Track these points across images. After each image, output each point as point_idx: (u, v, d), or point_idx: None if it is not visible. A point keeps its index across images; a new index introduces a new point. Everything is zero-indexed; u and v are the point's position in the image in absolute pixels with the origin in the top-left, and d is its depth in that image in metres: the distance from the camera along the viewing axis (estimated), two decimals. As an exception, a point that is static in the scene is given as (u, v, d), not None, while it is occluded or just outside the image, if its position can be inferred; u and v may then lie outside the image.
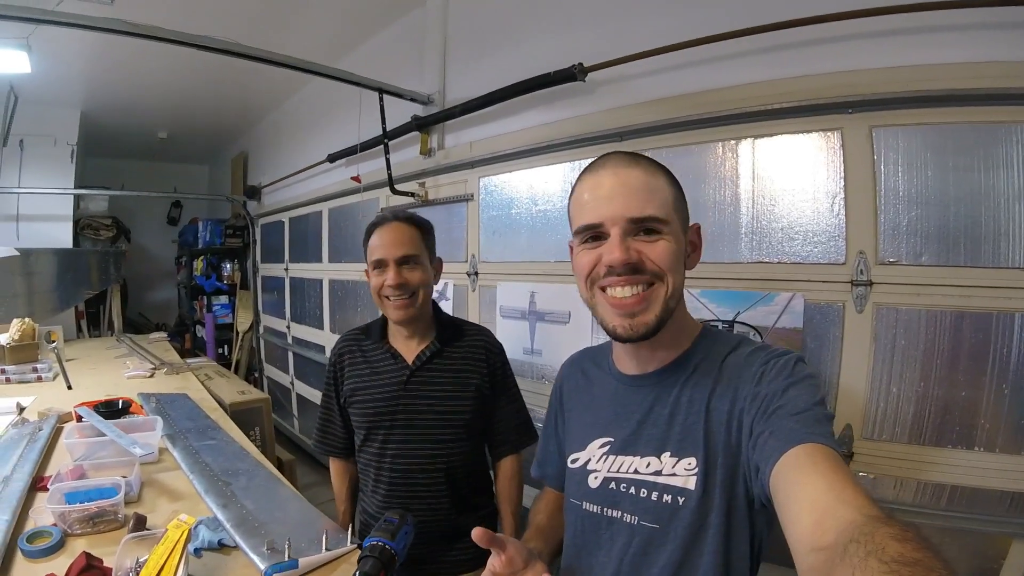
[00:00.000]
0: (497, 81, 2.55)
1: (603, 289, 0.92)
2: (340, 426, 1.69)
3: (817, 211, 1.69)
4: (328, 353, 4.23)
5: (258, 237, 5.92)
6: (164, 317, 7.56)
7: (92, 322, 5.48)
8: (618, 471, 0.96)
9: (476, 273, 2.84)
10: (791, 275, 1.74)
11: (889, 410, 1.58)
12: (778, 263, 1.77)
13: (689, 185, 1.89)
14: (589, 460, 1.01)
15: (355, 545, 1.29)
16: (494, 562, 0.85)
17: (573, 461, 1.05)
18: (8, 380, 2.82)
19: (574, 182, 0.99)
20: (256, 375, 6.02)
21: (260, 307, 5.92)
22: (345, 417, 1.67)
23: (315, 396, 4.58)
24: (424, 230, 1.60)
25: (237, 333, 6.21)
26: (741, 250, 1.85)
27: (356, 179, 3.53)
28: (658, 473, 0.90)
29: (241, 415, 2.81)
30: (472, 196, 2.86)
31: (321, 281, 4.44)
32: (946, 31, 1.46)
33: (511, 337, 2.47)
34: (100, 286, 5.23)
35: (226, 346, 6.31)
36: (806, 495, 0.67)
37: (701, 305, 1.91)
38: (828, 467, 0.69)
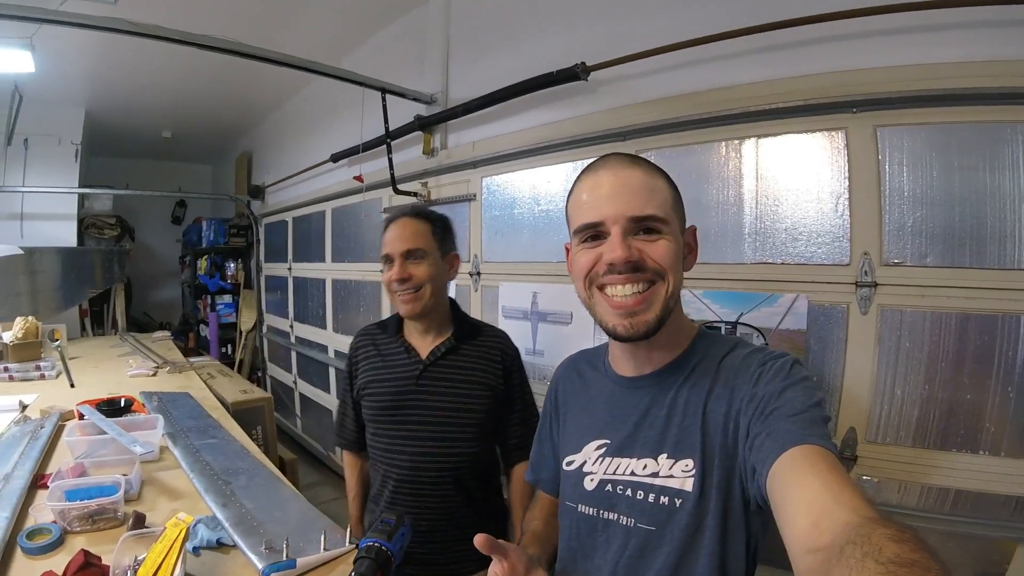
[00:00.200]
0: (500, 80, 2.55)
1: (602, 289, 0.92)
2: (353, 419, 1.70)
3: (821, 211, 1.69)
4: (331, 352, 4.28)
5: (262, 236, 5.93)
6: (168, 316, 7.59)
7: (96, 320, 5.50)
8: (614, 473, 0.95)
9: (478, 273, 2.84)
10: (795, 276, 1.73)
11: (893, 413, 1.57)
12: (782, 264, 1.76)
13: (692, 185, 1.91)
14: (585, 462, 1.01)
15: (353, 545, 1.28)
16: (496, 569, 0.85)
17: (568, 463, 1.04)
18: (11, 378, 2.82)
19: (572, 183, 0.99)
20: (259, 374, 6.03)
21: (264, 306, 5.93)
22: (358, 411, 1.68)
23: (318, 395, 4.60)
24: (436, 224, 1.60)
25: (240, 332, 6.22)
26: (744, 251, 1.84)
27: (358, 179, 3.53)
28: (655, 475, 0.90)
29: (243, 414, 2.82)
30: (475, 196, 2.85)
31: (324, 281, 4.44)
32: (951, 29, 1.45)
33: (513, 337, 2.44)
34: (104, 285, 5.25)
35: (229, 345, 6.33)
36: (803, 496, 0.67)
37: (704, 306, 1.90)
38: (825, 468, 0.69)
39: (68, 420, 2.03)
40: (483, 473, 1.61)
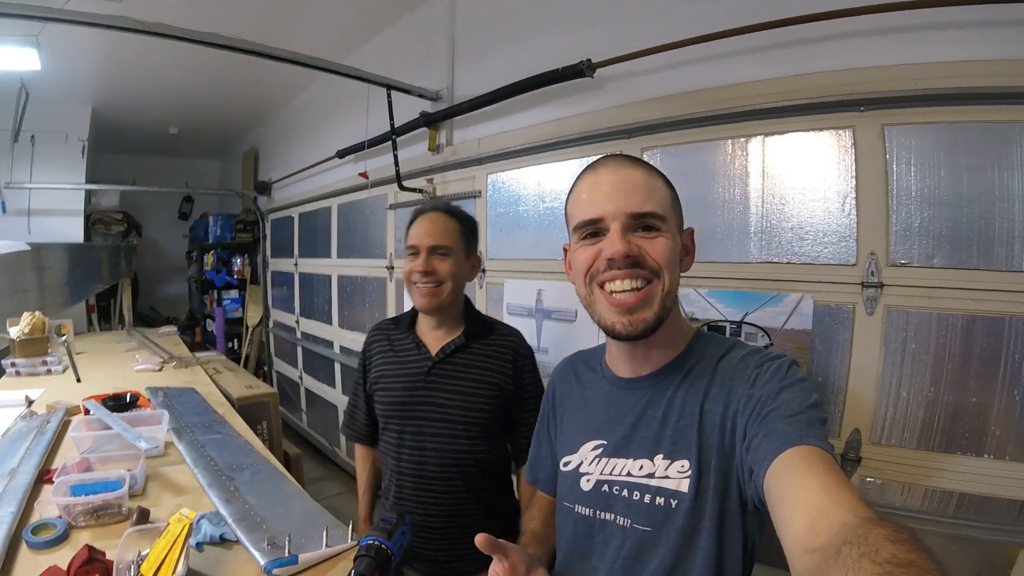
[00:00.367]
0: (505, 77, 2.54)
1: (602, 286, 0.92)
2: (365, 413, 1.71)
3: (828, 211, 1.67)
4: (336, 348, 4.29)
5: (268, 232, 5.95)
6: (174, 311, 7.63)
7: (103, 316, 5.54)
8: (611, 474, 0.95)
9: (483, 270, 2.83)
10: (800, 276, 1.72)
11: (898, 415, 1.56)
12: (787, 263, 1.75)
13: (698, 183, 1.91)
14: (581, 463, 1.01)
15: (355, 542, 1.28)
16: (496, 568, 0.85)
17: (565, 464, 1.05)
18: (18, 373, 2.84)
19: (572, 183, 1.00)
20: (265, 369, 6.06)
21: (270, 302, 5.96)
22: (371, 404, 1.68)
23: (323, 391, 4.62)
24: (465, 224, 1.62)
25: (247, 327, 6.24)
26: (750, 250, 1.83)
27: (364, 175, 3.53)
28: (651, 476, 0.90)
29: (248, 409, 2.83)
30: (480, 193, 2.85)
31: (330, 277, 4.45)
32: (960, 28, 1.44)
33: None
34: (111, 280, 5.28)
35: (236, 340, 6.35)
36: (800, 497, 0.67)
37: (709, 305, 1.89)
38: (822, 469, 0.69)
39: (74, 415, 2.04)
40: (492, 472, 1.60)
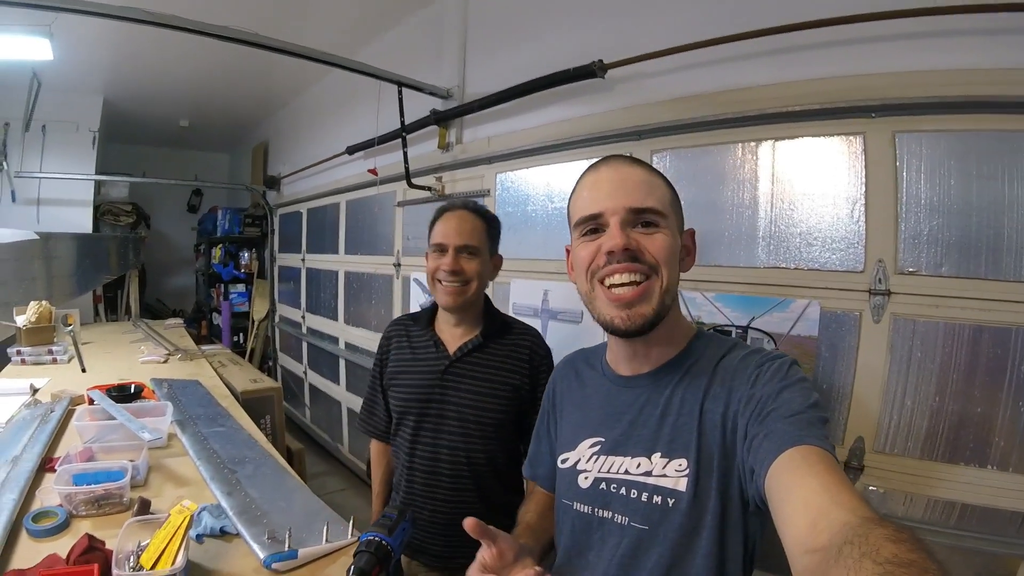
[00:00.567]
0: (516, 76, 2.54)
1: (602, 282, 0.93)
2: (383, 408, 1.71)
3: (837, 217, 1.66)
4: (341, 344, 4.30)
5: (276, 227, 5.96)
6: (181, 303, 7.67)
7: (110, 306, 5.56)
8: (608, 471, 0.96)
9: (491, 269, 2.82)
10: (808, 281, 1.71)
11: (902, 423, 1.55)
12: (795, 269, 1.74)
13: (707, 186, 1.90)
14: (579, 460, 1.02)
15: (356, 538, 1.28)
16: (484, 554, 0.86)
17: (563, 461, 1.05)
18: (24, 361, 2.86)
19: (575, 183, 1.01)
20: (270, 364, 6.07)
21: (276, 296, 5.97)
22: (388, 400, 1.68)
23: (328, 387, 4.63)
24: (491, 224, 1.62)
25: (253, 321, 6.27)
26: (758, 254, 1.82)
27: (373, 172, 3.54)
28: (648, 474, 0.90)
29: (252, 403, 2.83)
30: (488, 192, 2.85)
31: (337, 273, 4.46)
32: (973, 35, 1.42)
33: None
34: (118, 271, 5.30)
35: (241, 334, 6.38)
36: (801, 497, 0.67)
37: (715, 309, 1.88)
38: (823, 469, 0.69)
39: (78, 405, 2.05)
40: (503, 471, 1.59)
